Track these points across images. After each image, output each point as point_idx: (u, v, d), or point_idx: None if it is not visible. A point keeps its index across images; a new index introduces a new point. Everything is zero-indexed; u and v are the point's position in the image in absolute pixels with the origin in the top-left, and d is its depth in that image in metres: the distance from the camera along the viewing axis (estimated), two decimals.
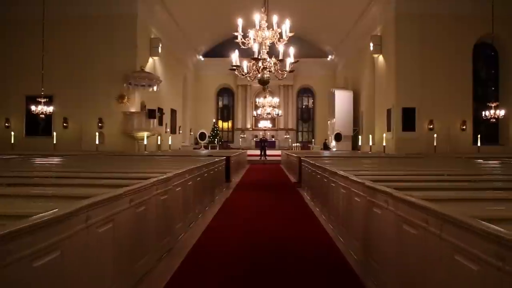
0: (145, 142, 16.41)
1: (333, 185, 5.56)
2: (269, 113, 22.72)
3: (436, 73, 17.56)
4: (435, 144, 16.67)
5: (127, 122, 17.34)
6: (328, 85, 30.07)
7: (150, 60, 19.74)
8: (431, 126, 17.74)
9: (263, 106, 23.02)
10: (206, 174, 7.06)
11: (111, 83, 17.50)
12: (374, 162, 8.41)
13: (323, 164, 6.86)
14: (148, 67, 19.00)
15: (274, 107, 22.87)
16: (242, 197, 9.10)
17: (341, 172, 5.03)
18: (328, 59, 31.35)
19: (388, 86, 18.61)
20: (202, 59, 31.53)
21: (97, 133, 16.90)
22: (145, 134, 16.73)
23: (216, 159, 8.91)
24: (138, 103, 18.36)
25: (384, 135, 17.84)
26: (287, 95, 32.90)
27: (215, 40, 30.46)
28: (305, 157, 10.42)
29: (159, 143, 18.58)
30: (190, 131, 29.80)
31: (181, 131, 26.31)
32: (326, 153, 17.72)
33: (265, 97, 22.82)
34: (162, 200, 4.15)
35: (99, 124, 17.83)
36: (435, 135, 16.87)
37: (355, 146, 24.20)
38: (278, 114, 25.01)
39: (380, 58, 19.85)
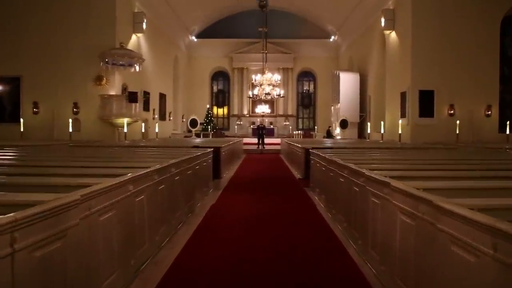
0: (125, 130, 14.21)
1: (377, 201, 3.37)
2: (268, 93, 19.32)
3: (458, 51, 15.30)
4: (457, 131, 14.55)
5: (105, 107, 15.07)
6: (330, 68, 27.76)
7: (134, 37, 17.45)
8: (452, 111, 15.58)
9: (261, 85, 19.59)
10: (178, 177, 4.86)
11: (88, 62, 15.20)
12: (415, 158, 6.22)
13: (356, 166, 4.48)
14: (131, 45, 16.73)
15: (274, 85, 19.58)
16: (233, 203, 6.88)
17: (402, 186, 2.80)
18: (331, 40, 28.98)
19: (402, 66, 16.43)
20: (195, 39, 29.02)
21: (70, 120, 14.68)
22: (125, 120, 14.51)
23: (199, 153, 6.68)
24: (118, 85, 16.08)
25: (400, 121, 15.72)
26: (286, 79, 30.36)
27: (209, 19, 28.00)
28: (314, 148, 8.26)
29: (143, 130, 16.38)
30: (182, 118, 27.50)
31: (171, 118, 24.06)
32: (329, 142, 15.68)
33: (263, 73, 19.53)
34: (55, 250, 1.96)
35: (74, 110, 15.60)
36: (457, 122, 14.68)
37: (361, 134, 22.08)
38: (279, 95, 21.25)
39: (393, 35, 17.58)
